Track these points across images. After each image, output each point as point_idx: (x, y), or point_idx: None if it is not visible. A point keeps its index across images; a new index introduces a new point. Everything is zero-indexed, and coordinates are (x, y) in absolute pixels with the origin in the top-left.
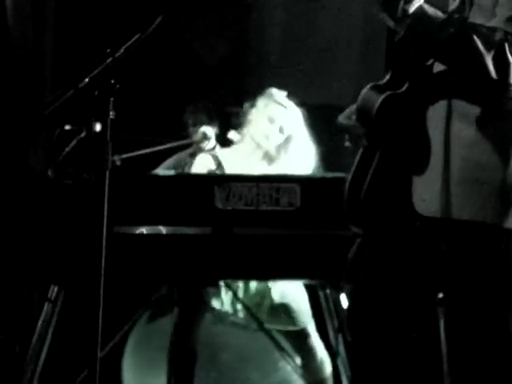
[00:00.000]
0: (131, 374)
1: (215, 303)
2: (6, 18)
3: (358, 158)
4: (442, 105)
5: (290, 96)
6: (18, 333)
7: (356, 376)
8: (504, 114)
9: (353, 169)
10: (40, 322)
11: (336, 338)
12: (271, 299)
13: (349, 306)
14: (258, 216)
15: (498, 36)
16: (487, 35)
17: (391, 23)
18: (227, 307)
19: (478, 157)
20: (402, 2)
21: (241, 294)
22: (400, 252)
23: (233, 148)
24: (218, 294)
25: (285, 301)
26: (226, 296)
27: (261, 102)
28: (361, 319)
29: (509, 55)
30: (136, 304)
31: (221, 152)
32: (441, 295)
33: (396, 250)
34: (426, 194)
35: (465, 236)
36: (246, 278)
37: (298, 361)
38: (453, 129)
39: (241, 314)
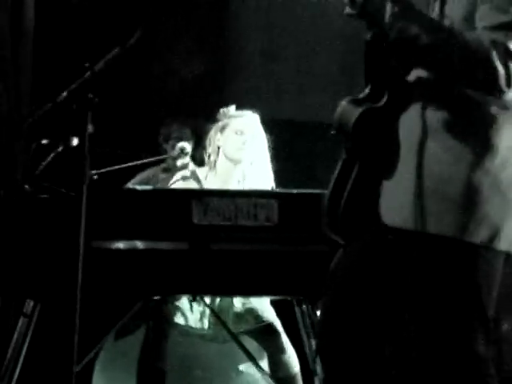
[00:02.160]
0: None
1: (180, 320)
2: None
3: (337, 170)
4: (415, 117)
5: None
6: None
7: None
8: (469, 129)
9: (332, 181)
10: (15, 337)
11: (313, 355)
12: (234, 309)
13: (319, 318)
14: (236, 231)
15: (486, 43)
16: (477, 41)
17: (376, 30)
18: (192, 323)
19: (440, 170)
20: (389, 5)
21: (207, 312)
22: (372, 264)
23: (209, 170)
24: (182, 311)
25: (247, 306)
26: (190, 313)
27: (218, 125)
28: (330, 331)
29: (496, 61)
30: (112, 319)
31: (199, 171)
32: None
33: (368, 262)
34: (391, 205)
35: (432, 249)
36: (223, 294)
37: (265, 363)
38: (425, 142)
39: (206, 330)
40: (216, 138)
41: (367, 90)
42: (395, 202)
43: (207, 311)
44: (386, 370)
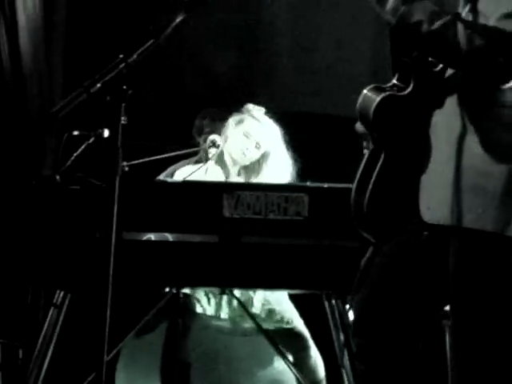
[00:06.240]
0: None
1: (199, 310)
2: (17, 22)
3: (364, 160)
4: (453, 112)
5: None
6: (22, 338)
7: None
8: (506, 122)
9: (359, 172)
10: (45, 327)
11: (341, 350)
12: (254, 308)
13: (355, 315)
14: (266, 225)
15: (492, 31)
16: (481, 29)
17: (384, 15)
18: (210, 314)
19: (481, 165)
20: None
21: (225, 306)
22: (409, 261)
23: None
24: (201, 304)
25: (267, 307)
26: (208, 306)
27: (236, 117)
28: (367, 328)
29: (499, 51)
30: (141, 310)
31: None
32: (447, 308)
33: (405, 259)
34: (430, 202)
35: (472, 244)
36: (252, 287)
37: (291, 359)
38: (465, 137)
39: (224, 323)
40: (229, 129)
41: (394, 80)
42: (433, 198)
43: (223, 304)
44: (416, 365)
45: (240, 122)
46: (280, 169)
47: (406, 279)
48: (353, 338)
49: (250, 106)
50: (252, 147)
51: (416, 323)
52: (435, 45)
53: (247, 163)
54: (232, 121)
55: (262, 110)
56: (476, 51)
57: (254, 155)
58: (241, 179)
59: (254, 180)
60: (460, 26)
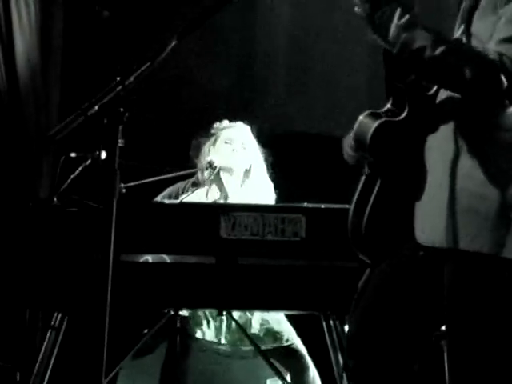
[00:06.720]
0: None
1: (199, 335)
2: (13, 45)
3: (360, 185)
4: (447, 136)
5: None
6: (20, 360)
7: None
8: (500, 146)
9: (355, 196)
10: (43, 350)
11: (340, 372)
12: (253, 329)
13: (349, 336)
14: (263, 246)
15: (492, 56)
16: (483, 53)
17: (385, 43)
18: (209, 339)
19: (475, 187)
20: (395, 20)
21: (224, 329)
22: (403, 281)
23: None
24: (200, 326)
25: (266, 326)
26: (207, 328)
27: (210, 141)
28: (361, 349)
29: (501, 74)
30: (139, 331)
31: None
32: (443, 328)
33: (399, 279)
34: (425, 225)
35: (467, 266)
36: (250, 308)
37: (290, 380)
38: (459, 161)
39: (222, 346)
40: (209, 152)
41: (389, 105)
42: (428, 221)
43: (223, 327)
44: None
45: (216, 140)
46: (263, 163)
47: (400, 300)
48: (348, 360)
49: (217, 124)
50: (239, 148)
51: (410, 343)
52: (439, 70)
53: (244, 168)
54: (207, 145)
55: (226, 121)
56: (480, 76)
57: (244, 156)
58: (243, 184)
59: (248, 182)
60: (463, 52)
